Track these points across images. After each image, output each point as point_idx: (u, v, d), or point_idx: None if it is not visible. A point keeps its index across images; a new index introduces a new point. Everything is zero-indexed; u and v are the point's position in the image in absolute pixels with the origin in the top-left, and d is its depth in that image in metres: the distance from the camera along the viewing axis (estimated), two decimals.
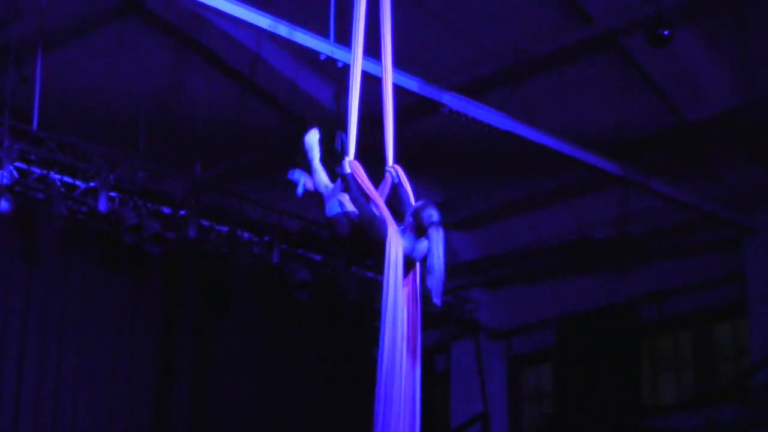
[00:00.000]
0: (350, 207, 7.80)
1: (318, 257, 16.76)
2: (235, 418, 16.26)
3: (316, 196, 8.04)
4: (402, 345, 7.52)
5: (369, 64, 12.47)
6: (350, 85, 8.08)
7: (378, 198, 7.80)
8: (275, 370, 16.68)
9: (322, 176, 8.03)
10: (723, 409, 16.88)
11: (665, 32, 13.89)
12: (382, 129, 8.02)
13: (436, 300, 7.74)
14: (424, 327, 20.28)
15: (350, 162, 7.78)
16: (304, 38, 12.32)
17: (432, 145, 16.07)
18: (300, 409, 16.70)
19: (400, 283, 7.59)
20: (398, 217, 7.79)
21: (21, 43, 15.25)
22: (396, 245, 7.56)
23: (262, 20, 12.07)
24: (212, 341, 16.24)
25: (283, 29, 12.17)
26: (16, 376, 14.41)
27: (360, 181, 7.74)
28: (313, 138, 8.16)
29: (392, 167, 8.01)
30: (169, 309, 15.90)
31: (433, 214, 7.71)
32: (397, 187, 8.00)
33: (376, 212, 7.69)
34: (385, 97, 8.15)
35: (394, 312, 7.56)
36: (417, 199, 7.94)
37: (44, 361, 14.64)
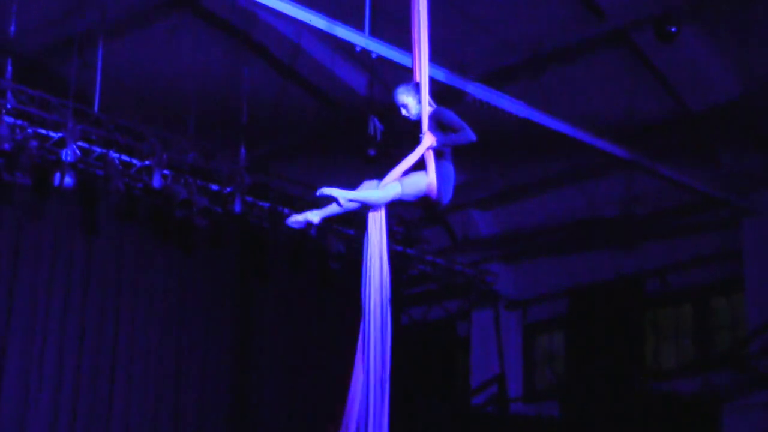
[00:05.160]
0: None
1: (351, 231, 16.68)
2: (273, 377, 16.25)
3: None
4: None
5: (398, 54, 12.46)
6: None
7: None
8: (311, 333, 16.65)
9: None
10: (719, 375, 16.92)
11: (672, 29, 13.76)
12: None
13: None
14: (448, 297, 20.33)
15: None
16: (342, 31, 12.18)
17: None
18: (333, 369, 16.68)
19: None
20: None
21: (83, 34, 15.24)
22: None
23: (303, 14, 11.98)
24: (253, 307, 16.23)
25: (322, 23, 12.05)
26: (78, 337, 14.44)
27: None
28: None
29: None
30: (215, 277, 15.89)
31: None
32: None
33: None
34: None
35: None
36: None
37: (103, 321, 14.66)
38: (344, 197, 7.79)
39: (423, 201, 8.03)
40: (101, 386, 14.56)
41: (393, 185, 7.89)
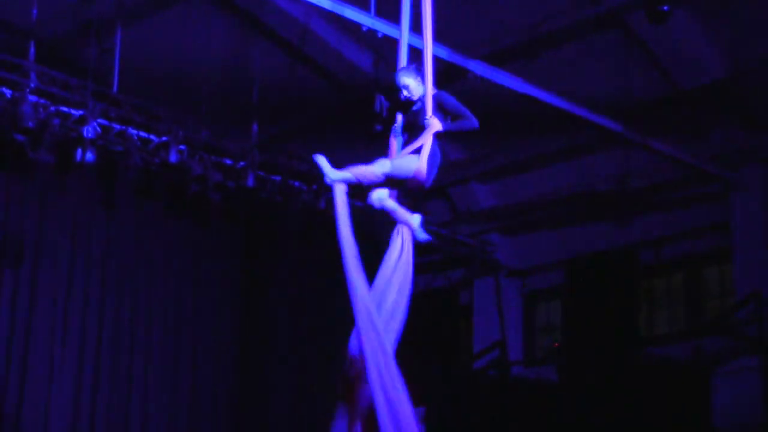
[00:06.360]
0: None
1: (359, 203, 16.84)
2: (282, 345, 16.42)
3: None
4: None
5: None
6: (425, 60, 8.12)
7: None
8: (321, 301, 16.80)
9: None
10: (710, 340, 17.03)
11: (664, 8, 13.93)
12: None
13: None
14: (451, 266, 20.18)
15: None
16: (348, 12, 12.29)
17: None
18: (344, 340, 16.81)
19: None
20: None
21: (102, 19, 15.37)
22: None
23: None
24: (264, 277, 16.39)
25: (328, 3, 12.13)
26: (99, 307, 14.69)
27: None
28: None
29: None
30: (228, 248, 16.08)
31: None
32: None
33: None
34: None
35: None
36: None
37: (122, 290, 14.90)
38: (332, 172, 7.94)
39: (408, 182, 7.92)
40: (122, 354, 14.88)
41: (382, 162, 7.84)
